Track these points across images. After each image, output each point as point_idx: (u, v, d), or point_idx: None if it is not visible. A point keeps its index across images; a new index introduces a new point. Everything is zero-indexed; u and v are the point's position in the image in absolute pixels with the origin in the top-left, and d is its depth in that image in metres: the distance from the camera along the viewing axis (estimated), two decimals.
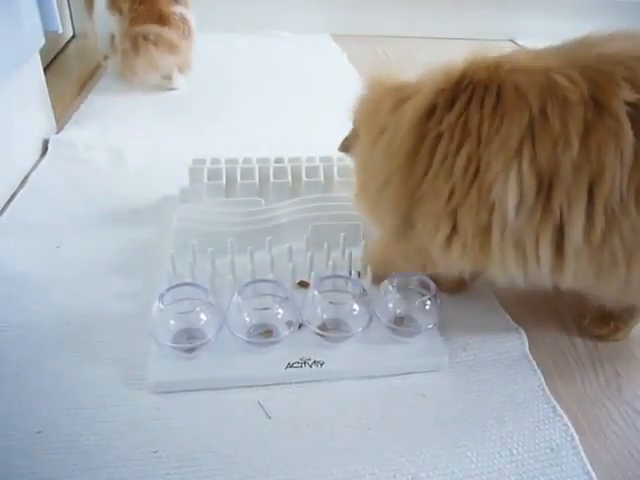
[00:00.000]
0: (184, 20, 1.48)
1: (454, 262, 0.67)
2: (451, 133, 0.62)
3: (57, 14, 1.18)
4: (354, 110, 0.76)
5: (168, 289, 0.72)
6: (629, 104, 0.55)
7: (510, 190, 0.59)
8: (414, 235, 0.70)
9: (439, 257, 0.69)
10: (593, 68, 0.57)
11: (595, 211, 0.58)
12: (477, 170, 0.61)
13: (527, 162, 0.58)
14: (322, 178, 1.01)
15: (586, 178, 0.57)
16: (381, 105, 0.69)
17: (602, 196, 0.57)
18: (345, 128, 0.80)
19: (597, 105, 0.56)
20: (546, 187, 0.59)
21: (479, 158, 0.60)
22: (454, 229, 0.64)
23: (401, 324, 0.74)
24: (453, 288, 0.82)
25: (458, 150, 0.61)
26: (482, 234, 0.63)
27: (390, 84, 0.70)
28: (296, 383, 0.70)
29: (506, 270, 0.65)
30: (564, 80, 0.57)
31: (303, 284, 0.82)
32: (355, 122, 0.77)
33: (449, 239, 0.65)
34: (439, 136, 0.63)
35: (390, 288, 0.74)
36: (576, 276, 0.63)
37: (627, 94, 0.55)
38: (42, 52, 1.21)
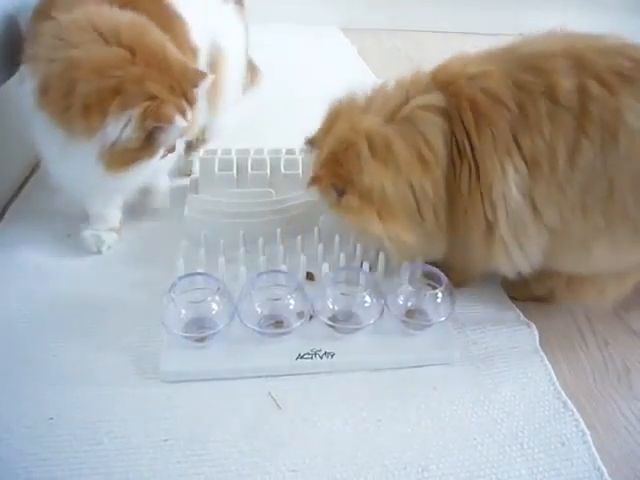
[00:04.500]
0: None
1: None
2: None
3: None
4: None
5: (179, 279, 0.72)
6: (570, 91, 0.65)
7: (511, 181, 0.67)
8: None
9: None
10: (532, 66, 0.67)
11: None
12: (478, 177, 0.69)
13: (517, 154, 0.67)
14: None
15: (554, 158, 0.66)
16: None
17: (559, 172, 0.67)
18: None
19: (550, 95, 0.66)
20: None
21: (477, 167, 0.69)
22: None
23: (412, 317, 0.74)
24: (461, 282, 0.82)
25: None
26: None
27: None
28: (307, 374, 0.70)
29: None
30: (526, 76, 0.67)
31: (309, 276, 0.82)
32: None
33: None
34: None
35: (402, 281, 0.74)
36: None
37: (566, 84, 0.65)
38: None
